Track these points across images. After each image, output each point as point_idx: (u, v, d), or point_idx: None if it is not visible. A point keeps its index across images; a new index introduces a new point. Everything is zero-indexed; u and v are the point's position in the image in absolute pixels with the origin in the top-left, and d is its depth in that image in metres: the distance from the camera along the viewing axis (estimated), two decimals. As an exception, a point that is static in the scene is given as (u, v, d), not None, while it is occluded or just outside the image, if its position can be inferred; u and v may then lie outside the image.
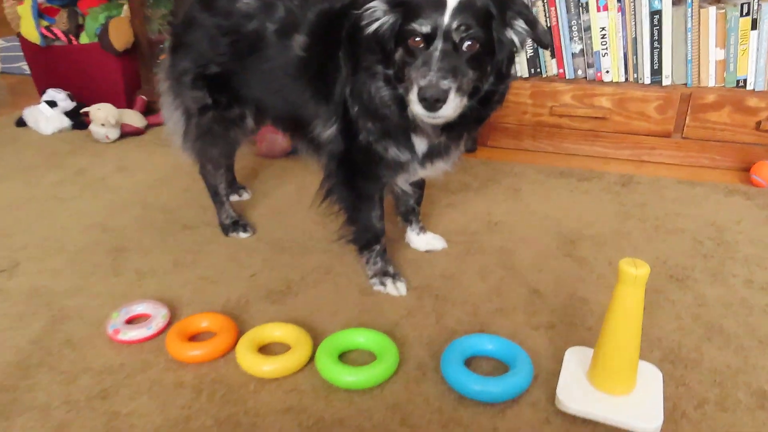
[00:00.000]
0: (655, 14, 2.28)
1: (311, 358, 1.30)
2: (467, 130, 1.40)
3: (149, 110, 2.84)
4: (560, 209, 2.00)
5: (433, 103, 1.15)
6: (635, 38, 2.34)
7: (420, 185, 1.72)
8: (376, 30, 1.27)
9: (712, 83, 2.33)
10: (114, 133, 2.62)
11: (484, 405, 1.19)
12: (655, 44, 2.32)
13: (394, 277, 1.56)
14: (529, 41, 1.29)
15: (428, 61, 1.17)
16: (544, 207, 2.02)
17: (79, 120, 2.78)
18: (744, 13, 2.20)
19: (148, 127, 2.78)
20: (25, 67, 3.90)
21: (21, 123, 2.83)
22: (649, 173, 2.32)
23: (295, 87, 1.52)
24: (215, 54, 1.60)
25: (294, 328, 1.36)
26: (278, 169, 2.33)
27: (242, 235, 1.84)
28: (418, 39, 1.20)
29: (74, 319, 1.46)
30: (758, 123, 2.28)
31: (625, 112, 2.40)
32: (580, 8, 2.35)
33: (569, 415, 1.16)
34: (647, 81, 2.37)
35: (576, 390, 1.18)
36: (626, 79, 2.41)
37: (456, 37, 1.19)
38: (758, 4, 2.18)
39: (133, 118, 2.71)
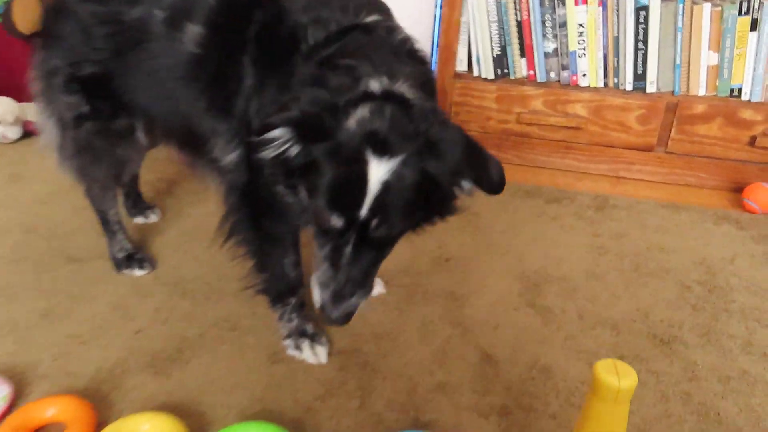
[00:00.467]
0: (642, 10, 1.98)
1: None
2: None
3: (61, 105, 2.46)
4: (524, 241, 1.70)
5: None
6: (617, 37, 2.03)
7: None
8: (279, 155, 0.93)
9: (702, 92, 2.04)
10: (14, 132, 2.25)
11: None
12: (640, 45, 2.02)
13: (313, 338, 1.26)
14: None
15: (335, 261, 0.92)
16: (506, 238, 1.72)
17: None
18: (743, 12, 1.91)
19: (58, 125, 2.40)
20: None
21: None
22: (628, 193, 2.03)
23: (187, 93, 1.18)
24: (90, 49, 1.25)
25: (170, 420, 1.04)
26: (197, 183, 1.99)
27: (137, 272, 1.50)
28: (327, 222, 0.91)
29: None
30: (753, 138, 2.00)
31: (603, 122, 2.10)
32: (556, 1, 2.04)
33: None
34: (629, 87, 2.08)
35: None
36: (605, 85, 2.11)
37: (373, 233, 0.90)
38: (760, 2, 1.90)
39: (39, 115, 2.33)
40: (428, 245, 1.65)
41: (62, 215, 1.77)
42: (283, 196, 1.03)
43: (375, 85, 0.92)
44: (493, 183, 0.91)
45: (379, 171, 0.85)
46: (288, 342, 1.26)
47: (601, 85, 2.11)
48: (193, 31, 1.15)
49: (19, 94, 2.39)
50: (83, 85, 1.28)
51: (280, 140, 0.89)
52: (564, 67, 2.11)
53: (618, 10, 2.00)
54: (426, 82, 1.07)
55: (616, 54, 2.05)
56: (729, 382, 1.21)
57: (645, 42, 2.01)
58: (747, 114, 1.99)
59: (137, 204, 1.74)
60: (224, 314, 1.36)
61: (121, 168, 1.44)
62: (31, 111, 2.31)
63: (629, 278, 1.55)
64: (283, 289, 1.25)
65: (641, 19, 1.98)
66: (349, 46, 1.02)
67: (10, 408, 1.09)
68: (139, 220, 1.73)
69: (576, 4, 2.02)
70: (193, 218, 1.77)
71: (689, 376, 1.22)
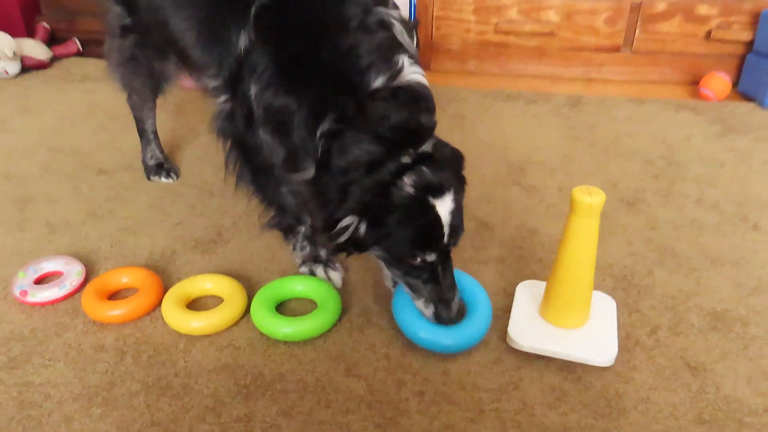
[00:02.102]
0: None
1: (246, 311, 1.19)
2: None
3: (54, 39, 2.53)
4: (508, 135, 1.90)
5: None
6: (583, -56, 2.18)
7: None
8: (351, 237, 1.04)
9: (662, -8, 2.22)
10: (13, 68, 2.34)
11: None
12: (604, -49, 2.17)
13: (326, 264, 1.32)
14: None
15: (436, 280, 1.07)
16: (491, 134, 1.92)
17: (-28, 53, 2.46)
18: None
19: (54, 59, 2.48)
20: None
21: None
22: (598, 92, 2.23)
23: (178, 19, 1.23)
24: None
25: (226, 279, 1.24)
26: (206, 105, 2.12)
27: (164, 180, 1.66)
28: (418, 261, 1.06)
29: (-27, 283, 1.29)
30: (708, 32, 2.20)
31: (574, 27, 2.28)
32: None
33: (521, 353, 1.10)
34: (596, -8, 2.25)
35: (528, 326, 1.12)
36: (574, -9, 2.27)
37: (450, 248, 1.07)
38: None
39: (36, 49, 2.41)
40: (422, 142, 1.84)
41: (80, 137, 1.91)
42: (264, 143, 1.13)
43: (405, 157, 1.02)
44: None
45: (444, 207, 1.02)
46: (303, 269, 1.32)
47: (571, -9, 2.27)
48: None
49: (18, 31, 2.47)
50: None
51: (351, 227, 1.02)
52: (536, -24, 2.26)
53: None
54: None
55: (584, -40, 2.20)
56: (682, 228, 1.45)
57: (610, -54, 2.16)
58: (703, 9, 2.18)
59: None
60: (252, 205, 1.54)
61: (158, 81, 1.54)
62: (28, 46, 2.39)
63: (600, 159, 1.77)
64: (289, 219, 1.32)
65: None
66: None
67: (85, 281, 1.28)
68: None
69: None
70: (204, 136, 1.91)
71: (651, 225, 1.46)
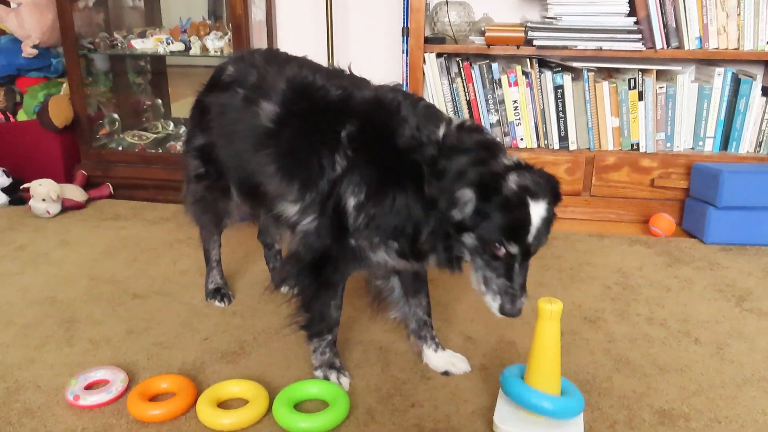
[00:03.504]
0: (558, 89, 2.61)
1: (269, 410, 1.40)
2: None
3: (90, 184, 2.90)
4: (487, 263, 2.21)
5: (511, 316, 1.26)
6: (543, 109, 2.66)
7: (426, 293, 1.61)
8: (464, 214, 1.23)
9: (611, 147, 2.66)
10: (55, 208, 2.66)
11: (428, 441, 1.32)
12: (561, 114, 2.64)
13: (339, 371, 1.51)
14: None
15: (510, 276, 1.24)
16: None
17: (16, 196, 2.80)
18: (632, 87, 2.57)
19: (89, 200, 2.83)
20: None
21: (-45, 200, 2.82)
22: (565, 228, 2.58)
23: (257, 159, 1.49)
24: (203, 125, 1.69)
25: (250, 383, 1.46)
26: (227, 235, 2.44)
27: (217, 303, 1.90)
28: (501, 251, 1.22)
29: (30, 389, 1.49)
30: (652, 180, 2.61)
31: (539, 175, 2.69)
32: (494, 84, 2.66)
33: (503, 444, 1.31)
34: (556, 146, 2.69)
35: (510, 415, 1.34)
36: (538, 145, 2.71)
37: (532, 252, 1.25)
38: (642, 79, 2.56)
39: (74, 193, 2.76)
40: (414, 270, 2.14)
41: (115, 267, 2.18)
42: (365, 251, 1.37)
43: (506, 159, 1.27)
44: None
45: (537, 211, 1.19)
46: (318, 373, 1.51)
47: (535, 146, 2.71)
48: (267, 108, 1.46)
49: (60, 177, 2.84)
50: (200, 151, 1.72)
51: (469, 200, 1.20)
52: (506, 134, 2.72)
53: (541, 89, 2.63)
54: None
55: (544, 122, 2.67)
56: (636, 341, 1.72)
57: (564, 111, 2.64)
58: (646, 162, 2.61)
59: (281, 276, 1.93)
60: (268, 325, 1.79)
61: (221, 218, 1.83)
62: (68, 190, 2.75)
63: (566, 284, 2.07)
64: (323, 327, 1.50)
65: (559, 95, 2.62)
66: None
67: (128, 388, 1.49)
68: (284, 289, 1.82)
69: (510, 86, 2.65)
70: (225, 263, 2.20)
71: (609, 339, 1.73)
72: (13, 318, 1.83)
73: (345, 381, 1.51)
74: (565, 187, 2.68)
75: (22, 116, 2.94)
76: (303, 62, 1.60)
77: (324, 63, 1.63)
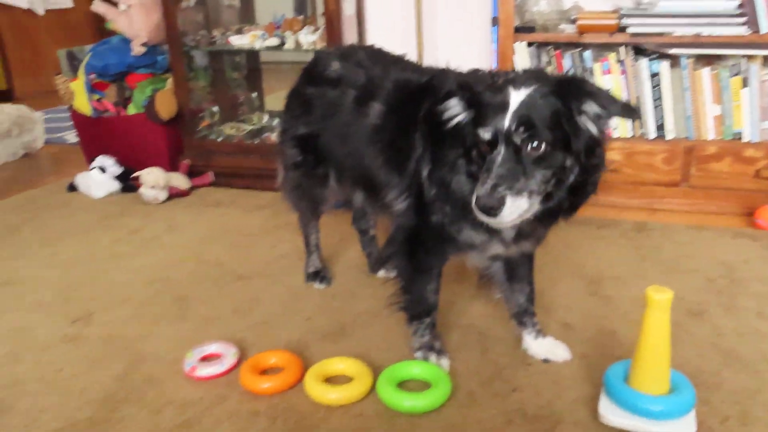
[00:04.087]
0: (655, 76, 2.52)
1: (372, 388, 1.45)
2: (561, 217, 1.34)
3: (193, 173, 3.07)
4: (583, 254, 2.18)
5: (488, 210, 1.16)
6: (638, 97, 2.57)
7: (529, 281, 1.61)
8: (456, 126, 1.30)
9: (711, 136, 2.54)
10: (162, 195, 2.84)
11: (531, 425, 1.34)
12: (657, 102, 2.55)
13: (439, 353, 1.55)
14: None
15: (489, 167, 1.18)
16: (568, 252, 2.20)
17: (127, 184, 3.02)
18: (734, 74, 2.44)
19: (193, 188, 3.00)
20: (67, 137, 4.19)
21: (72, 188, 3.07)
22: (661, 220, 2.50)
23: (368, 153, 1.59)
24: (306, 117, 1.78)
25: (355, 361, 1.53)
26: (322, 221, 2.53)
27: (317, 285, 1.99)
28: (483, 145, 1.22)
29: (151, 360, 1.62)
30: (757, 171, 2.48)
31: (635, 165, 2.61)
32: (586, 73, 2.60)
33: (609, 430, 1.30)
34: (652, 136, 2.59)
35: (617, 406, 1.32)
36: (633, 135, 2.63)
37: (518, 140, 1.18)
38: (747, 65, 2.43)
39: (179, 181, 2.94)
40: (506, 259, 2.14)
41: (219, 250, 2.31)
42: (466, 194, 1.31)
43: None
44: (618, 109, 1.21)
45: (517, 96, 1.18)
46: (418, 354, 1.55)
47: (630, 135, 2.63)
48: (376, 107, 1.57)
49: (165, 166, 3.03)
50: (299, 141, 1.81)
51: (453, 105, 1.28)
52: (598, 123, 2.65)
53: (636, 77, 2.55)
54: None
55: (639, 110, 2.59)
56: (745, 336, 1.65)
57: (660, 100, 2.54)
58: (750, 152, 2.47)
59: (378, 261, 2.06)
60: (367, 308, 1.85)
61: (317, 204, 1.92)
62: (173, 178, 2.93)
63: (667, 276, 2.00)
64: (422, 310, 1.55)
65: (655, 83, 2.52)
66: None
67: (239, 362, 1.58)
68: (381, 273, 2.03)
69: (603, 74, 2.58)
70: (323, 248, 2.28)
71: (716, 333, 1.66)
72: (131, 295, 1.98)
73: (445, 362, 1.55)
74: (662, 178, 2.59)
75: (131, 110, 3.15)
76: (406, 64, 1.69)
77: (414, 57, 1.69)
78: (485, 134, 1.20)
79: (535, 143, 1.18)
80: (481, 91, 1.25)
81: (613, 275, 2.01)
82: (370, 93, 1.59)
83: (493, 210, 1.16)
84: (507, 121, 1.18)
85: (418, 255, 1.51)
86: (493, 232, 1.37)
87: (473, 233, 1.39)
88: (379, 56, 1.74)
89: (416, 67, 1.67)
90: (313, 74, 1.78)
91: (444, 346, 1.60)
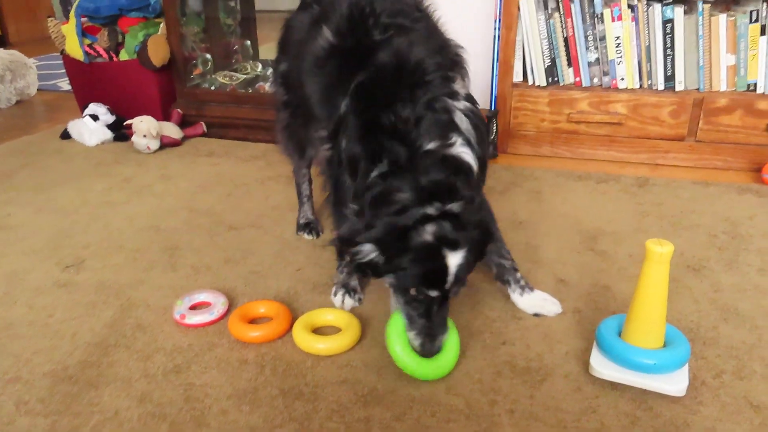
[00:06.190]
0: (668, 23, 2.41)
1: (360, 339, 1.43)
2: None
3: (185, 122, 3.00)
4: (580, 209, 2.13)
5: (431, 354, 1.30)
6: (648, 46, 2.47)
7: (497, 238, 1.57)
8: (368, 262, 1.27)
9: (723, 88, 2.45)
10: (155, 144, 2.78)
11: (520, 377, 1.31)
12: (668, 51, 2.45)
13: (350, 292, 1.59)
14: None
15: (428, 315, 1.27)
16: (565, 207, 2.15)
17: (120, 132, 2.96)
18: (753, 20, 2.33)
19: (185, 138, 2.94)
20: (60, 84, 4.11)
21: (65, 135, 3.01)
22: (665, 175, 2.43)
23: (311, 84, 1.51)
24: (286, 49, 1.71)
25: (344, 312, 1.50)
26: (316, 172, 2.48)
27: (307, 236, 1.96)
28: (420, 296, 1.26)
29: (141, 307, 1.60)
30: (768, 125, 2.40)
31: (640, 118, 2.52)
32: (595, 19, 2.49)
33: (599, 383, 1.28)
34: (661, 87, 2.50)
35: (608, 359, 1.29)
36: (641, 86, 2.54)
37: (451, 294, 1.28)
38: (766, 11, 2.31)
39: (171, 130, 2.87)
40: (504, 212, 2.10)
41: (211, 200, 2.27)
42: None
43: (431, 209, 1.22)
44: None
45: (454, 260, 1.22)
46: (333, 288, 1.61)
47: (637, 86, 2.54)
48: (326, 33, 1.42)
49: (158, 115, 2.96)
50: (283, 78, 1.74)
51: (368, 253, 1.24)
52: (605, 74, 2.56)
53: (648, 24, 2.44)
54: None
55: (648, 60, 2.49)
56: (745, 291, 1.61)
57: (672, 48, 2.44)
58: (763, 105, 2.38)
59: None
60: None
61: (304, 146, 1.84)
62: (166, 127, 2.86)
63: (667, 231, 1.95)
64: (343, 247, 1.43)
65: (668, 30, 2.42)
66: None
67: (228, 311, 1.56)
68: None
69: (612, 20, 2.47)
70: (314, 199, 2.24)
71: (715, 288, 1.63)
72: (123, 243, 1.96)
73: (348, 302, 1.58)
74: (668, 132, 2.52)
75: (123, 56, 3.06)
76: None
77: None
78: (433, 293, 1.25)
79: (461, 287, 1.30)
80: (408, 250, 1.22)
81: (612, 230, 1.97)
82: (326, 15, 1.47)
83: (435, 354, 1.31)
84: (449, 285, 1.25)
85: (339, 192, 1.46)
86: None
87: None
88: None
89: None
90: (301, 5, 1.69)
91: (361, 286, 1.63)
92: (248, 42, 3.35)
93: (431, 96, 1.29)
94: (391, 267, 1.25)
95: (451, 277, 1.23)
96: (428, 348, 1.28)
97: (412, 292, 1.26)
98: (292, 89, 1.72)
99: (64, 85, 4.01)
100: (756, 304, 1.55)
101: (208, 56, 3.16)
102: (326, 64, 1.44)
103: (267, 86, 2.97)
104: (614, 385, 1.28)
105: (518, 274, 1.58)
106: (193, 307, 1.58)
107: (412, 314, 1.29)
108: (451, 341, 1.34)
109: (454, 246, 1.22)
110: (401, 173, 1.24)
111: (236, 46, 3.33)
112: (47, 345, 1.47)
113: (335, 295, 1.60)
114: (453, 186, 1.24)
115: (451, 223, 1.22)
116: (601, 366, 1.28)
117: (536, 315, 1.54)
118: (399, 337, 1.31)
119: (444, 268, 1.22)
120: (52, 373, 1.37)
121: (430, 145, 1.25)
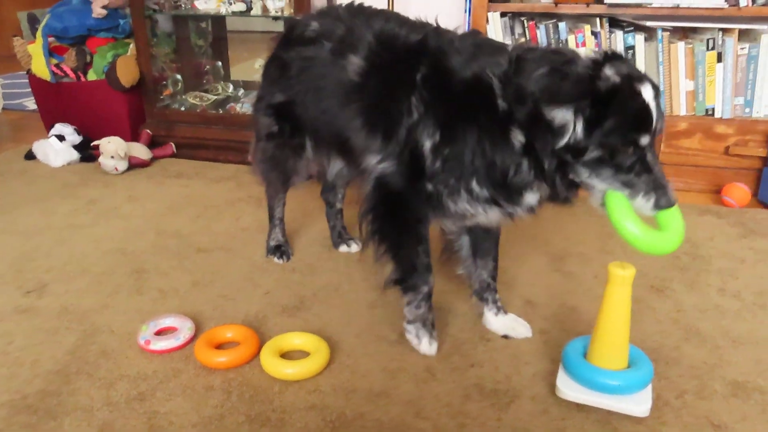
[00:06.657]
0: (629, 49, 2.49)
1: (329, 363, 1.42)
2: None
3: (154, 143, 2.97)
4: (548, 230, 2.16)
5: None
6: (611, 72, 2.54)
7: (494, 257, 1.58)
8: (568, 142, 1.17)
9: (683, 112, 2.53)
10: (123, 165, 2.75)
11: (488, 400, 1.32)
12: (630, 78, 2.52)
13: (431, 333, 1.48)
14: None
15: (650, 168, 1.18)
16: (533, 229, 2.18)
17: (86, 153, 2.91)
18: (710, 48, 2.42)
19: (153, 159, 2.91)
20: (26, 103, 4.03)
21: (30, 156, 2.95)
22: (629, 196, 2.49)
23: (345, 112, 1.49)
24: (282, 82, 1.68)
25: (312, 336, 1.49)
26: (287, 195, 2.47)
27: (277, 260, 1.94)
28: (631, 150, 1.16)
29: (105, 333, 1.57)
30: (726, 148, 2.48)
31: (605, 140, 2.58)
32: (560, 45, 2.56)
33: (565, 406, 1.29)
34: (624, 111, 2.57)
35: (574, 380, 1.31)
36: (604, 110, 2.60)
37: (658, 134, 1.20)
38: (722, 39, 2.41)
39: (140, 151, 2.84)
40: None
41: (180, 222, 2.25)
42: (523, 183, 1.30)
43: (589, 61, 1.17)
44: None
45: (648, 93, 1.14)
46: (410, 327, 1.48)
47: (602, 110, 2.60)
48: (354, 62, 1.45)
49: (126, 135, 2.92)
50: (275, 110, 1.71)
51: (566, 125, 1.14)
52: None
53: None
54: None
55: (612, 85, 2.56)
56: (706, 311, 1.65)
57: (634, 75, 2.51)
58: (720, 129, 2.47)
59: (342, 236, 2.03)
60: (327, 282, 1.81)
61: (289, 176, 1.82)
62: (134, 148, 2.83)
63: (631, 252, 1.97)
64: (416, 278, 1.44)
65: (630, 57, 2.49)
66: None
67: (194, 336, 1.54)
68: (342, 248, 2.00)
69: (577, 46, 2.54)
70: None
71: (677, 309, 1.67)
72: (88, 267, 1.92)
73: (435, 346, 1.47)
74: (632, 154, 2.58)
75: (91, 76, 3.02)
76: (390, 15, 1.56)
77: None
78: (644, 140, 1.16)
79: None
80: (613, 92, 1.14)
81: (578, 252, 2.00)
82: (348, 45, 1.48)
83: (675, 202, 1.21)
84: (655, 122, 1.16)
85: (401, 214, 1.43)
86: (508, 209, 1.38)
87: (468, 206, 1.36)
88: (360, 10, 1.60)
89: (401, 20, 1.51)
90: (290, 38, 1.68)
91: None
92: (219, 63, 3.35)
93: (509, 52, 1.28)
94: (596, 132, 1.14)
95: (654, 113, 1.15)
96: (667, 198, 1.18)
97: (628, 151, 1.15)
98: (285, 122, 1.70)
99: (30, 104, 3.94)
100: (716, 324, 1.59)
101: (179, 77, 3.15)
102: (365, 88, 1.44)
103: (238, 107, 2.96)
104: (580, 407, 1.29)
105: (497, 295, 1.60)
106: (159, 333, 1.55)
107: (630, 179, 1.18)
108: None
109: (640, 79, 1.16)
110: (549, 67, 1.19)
111: (207, 67, 3.32)
112: (5, 373, 1.42)
113: (417, 338, 1.47)
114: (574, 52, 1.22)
115: (619, 60, 1.17)
116: (568, 388, 1.29)
117: (505, 337, 1.54)
118: (626, 217, 1.22)
119: (645, 105, 1.14)
120: (9, 403, 1.33)
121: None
